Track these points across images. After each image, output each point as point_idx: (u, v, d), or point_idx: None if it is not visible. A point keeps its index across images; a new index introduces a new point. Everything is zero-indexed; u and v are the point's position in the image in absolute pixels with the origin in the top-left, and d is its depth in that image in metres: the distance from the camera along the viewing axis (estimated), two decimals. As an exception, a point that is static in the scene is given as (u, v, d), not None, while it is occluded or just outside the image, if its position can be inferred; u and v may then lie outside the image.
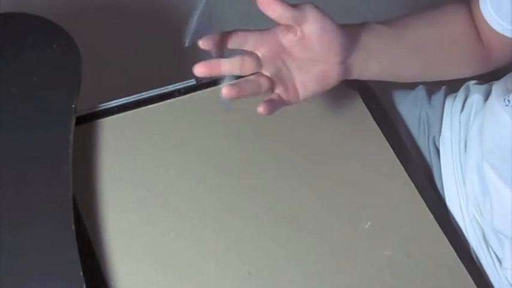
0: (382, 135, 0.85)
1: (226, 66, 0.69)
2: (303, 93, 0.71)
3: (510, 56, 0.80)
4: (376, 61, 0.75)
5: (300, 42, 0.69)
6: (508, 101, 0.77)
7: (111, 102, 0.82)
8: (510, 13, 0.73)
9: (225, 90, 0.67)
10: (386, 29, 0.76)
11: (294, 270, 0.73)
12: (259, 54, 0.69)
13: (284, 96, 0.70)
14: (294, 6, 0.66)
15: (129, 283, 0.69)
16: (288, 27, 0.68)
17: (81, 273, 0.64)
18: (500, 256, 0.80)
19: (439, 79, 0.86)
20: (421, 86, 0.94)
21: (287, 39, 0.69)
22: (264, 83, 0.70)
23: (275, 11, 0.65)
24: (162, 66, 1.64)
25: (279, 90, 0.70)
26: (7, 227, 0.66)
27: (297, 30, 0.68)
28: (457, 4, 0.81)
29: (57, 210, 0.67)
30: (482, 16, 0.76)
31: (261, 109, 0.67)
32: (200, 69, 0.69)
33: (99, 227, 0.72)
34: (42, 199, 0.68)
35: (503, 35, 0.75)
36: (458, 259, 0.77)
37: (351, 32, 0.72)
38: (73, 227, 0.66)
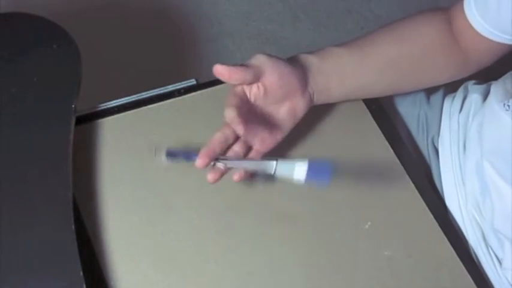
0: (382, 135, 0.85)
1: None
2: (280, 135, 0.74)
3: (490, 60, 0.80)
4: (339, 84, 0.77)
5: (264, 94, 0.72)
6: (508, 106, 0.77)
7: (111, 102, 0.82)
8: (497, 17, 0.73)
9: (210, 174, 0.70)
10: (348, 52, 0.77)
11: (294, 270, 0.73)
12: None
13: (262, 148, 0.73)
14: (247, 65, 0.70)
15: (129, 283, 0.69)
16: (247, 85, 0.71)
17: (81, 273, 0.64)
18: (500, 256, 0.80)
19: (413, 90, 0.87)
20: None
21: (253, 94, 0.72)
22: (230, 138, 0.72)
23: (236, 78, 0.69)
24: (162, 66, 1.64)
25: (257, 145, 0.72)
26: (7, 227, 0.66)
27: (258, 84, 0.71)
28: (432, 12, 0.81)
29: (57, 210, 0.67)
30: (465, 19, 0.76)
31: (236, 177, 0.71)
32: None
33: (99, 227, 0.72)
34: (42, 199, 0.68)
35: (487, 39, 0.75)
36: (458, 259, 0.77)
37: (303, 64, 0.74)
38: (73, 227, 0.66)
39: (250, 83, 0.71)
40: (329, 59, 0.76)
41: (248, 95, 0.72)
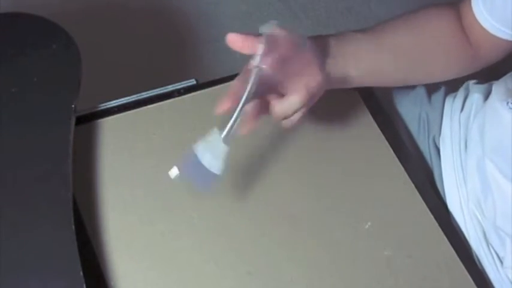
0: (382, 135, 0.85)
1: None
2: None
3: (499, 56, 0.80)
4: (356, 67, 0.76)
5: (278, 64, 0.68)
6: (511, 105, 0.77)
7: (111, 102, 0.82)
8: (504, 15, 0.73)
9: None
10: (364, 37, 0.77)
11: (294, 270, 0.73)
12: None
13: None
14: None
15: (129, 283, 0.69)
16: None
17: (81, 273, 0.64)
18: (501, 255, 0.80)
19: (424, 82, 0.87)
20: (420, 86, 0.95)
21: (269, 66, 0.68)
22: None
23: (249, 46, 0.66)
24: (162, 66, 1.64)
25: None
26: (7, 227, 0.66)
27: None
28: (443, 6, 0.81)
29: (57, 210, 0.67)
30: (473, 16, 0.76)
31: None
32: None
33: (99, 227, 0.72)
34: (42, 199, 0.68)
35: (494, 36, 0.76)
36: (458, 259, 0.77)
37: (320, 43, 0.73)
38: (73, 227, 0.66)
39: (263, 52, 0.68)
40: (347, 41, 0.76)
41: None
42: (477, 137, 0.83)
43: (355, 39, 0.77)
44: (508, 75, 0.83)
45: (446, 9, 0.81)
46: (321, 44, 0.73)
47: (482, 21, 0.76)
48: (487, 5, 0.75)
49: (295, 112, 0.69)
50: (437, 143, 0.90)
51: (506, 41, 0.76)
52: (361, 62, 0.77)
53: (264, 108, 0.69)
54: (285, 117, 0.70)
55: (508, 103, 0.78)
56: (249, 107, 0.67)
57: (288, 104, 0.68)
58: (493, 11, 0.74)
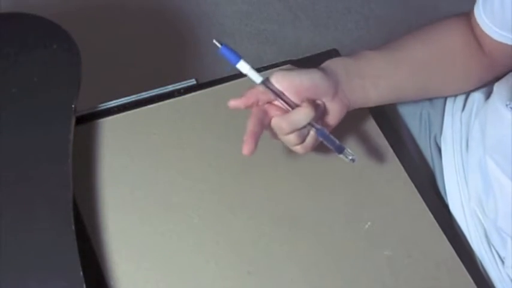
0: (382, 135, 0.85)
1: None
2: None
3: None
4: (374, 86, 0.77)
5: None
6: (511, 107, 0.77)
7: (111, 102, 0.82)
8: (503, 20, 0.73)
9: None
10: (380, 55, 0.78)
11: (294, 270, 0.73)
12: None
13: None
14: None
15: (129, 283, 0.69)
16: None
17: (81, 273, 0.64)
18: (502, 255, 0.80)
19: (443, 95, 0.87)
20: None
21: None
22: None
23: (253, 102, 0.70)
24: (162, 66, 1.64)
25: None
26: (7, 227, 0.66)
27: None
28: (456, 18, 0.82)
29: (57, 210, 0.67)
30: (478, 26, 0.77)
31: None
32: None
33: (99, 227, 0.72)
34: (42, 199, 0.68)
35: (502, 43, 0.76)
36: (458, 259, 0.77)
37: (333, 70, 0.74)
38: (73, 227, 0.66)
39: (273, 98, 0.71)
40: (363, 61, 0.77)
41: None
42: (478, 136, 0.83)
43: (370, 57, 0.78)
44: (510, 74, 0.83)
45: (459, 20, 0.81)
46: (332, 71, 0.74)
47: (486, 29, 0.77)
48: (487, 12, 0.75)
49: (301, 126, 0.70)
50: (438, 143, 0.90)
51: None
52: (378, 80, 0.77)
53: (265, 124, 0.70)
54: (294, 132, 0.70)
55: (507, 105, 0.78)
56: (250, 123, 0.69)
57: (297, 114, 0.69)
58: (493, 18, 0.75)
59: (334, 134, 0.73)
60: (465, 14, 0.81)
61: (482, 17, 0.76)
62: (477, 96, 0.87)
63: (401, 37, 0.81)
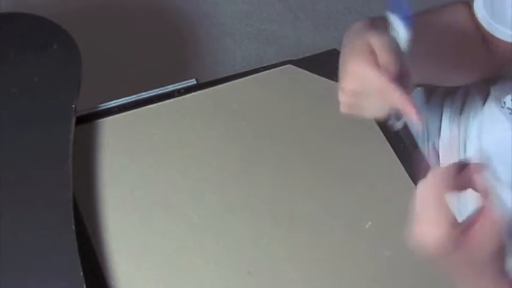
0: (382, 135, 0.85)
1: None
2: None
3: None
4: None
5: None
6: (504, 102, 0.77)
7: (111, 102, 0.82)
8: (504, 17, 0.73)
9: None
10: None
11: (294, 270, 0.73)
12: None
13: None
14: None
15: (129, 283, 0.69)
16: None
17: (81, 273, 0.64)
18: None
19: (449, 81, 0.86)
20: (418, 88, 0.94)
21: None
22: None
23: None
24: (162, 66, 1.64)
25: None
26: (7, 227, 0.66)
27: None
28: (463, 4, 0.81)
29: (57, 210, 0.67)
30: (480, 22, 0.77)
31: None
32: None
33: (99, 227, 0.72)
34: (42, 199, 0.68)
35: (502, 40, 0.76)
36: (458, 259, 0.77)
37: None
38: (73, 227, 0.66)
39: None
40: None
41: None
42: (476, 142, 0.83)
43: None
44: (506, 75, 0.83)
45: (466, 8, 0.80)
46: None
47: (487, 26, 0.76)
48: (488, 9, 0.75)
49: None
50: (436, 148, 0.90)
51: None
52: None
53: None
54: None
55: (501, 100, 0.78)
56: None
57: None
58: (494, 14, 0.75)
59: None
60: (465, 4, 0.81)
61: (482, 10, 0.75)
62: (474, 100, 0.87)
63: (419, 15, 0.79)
